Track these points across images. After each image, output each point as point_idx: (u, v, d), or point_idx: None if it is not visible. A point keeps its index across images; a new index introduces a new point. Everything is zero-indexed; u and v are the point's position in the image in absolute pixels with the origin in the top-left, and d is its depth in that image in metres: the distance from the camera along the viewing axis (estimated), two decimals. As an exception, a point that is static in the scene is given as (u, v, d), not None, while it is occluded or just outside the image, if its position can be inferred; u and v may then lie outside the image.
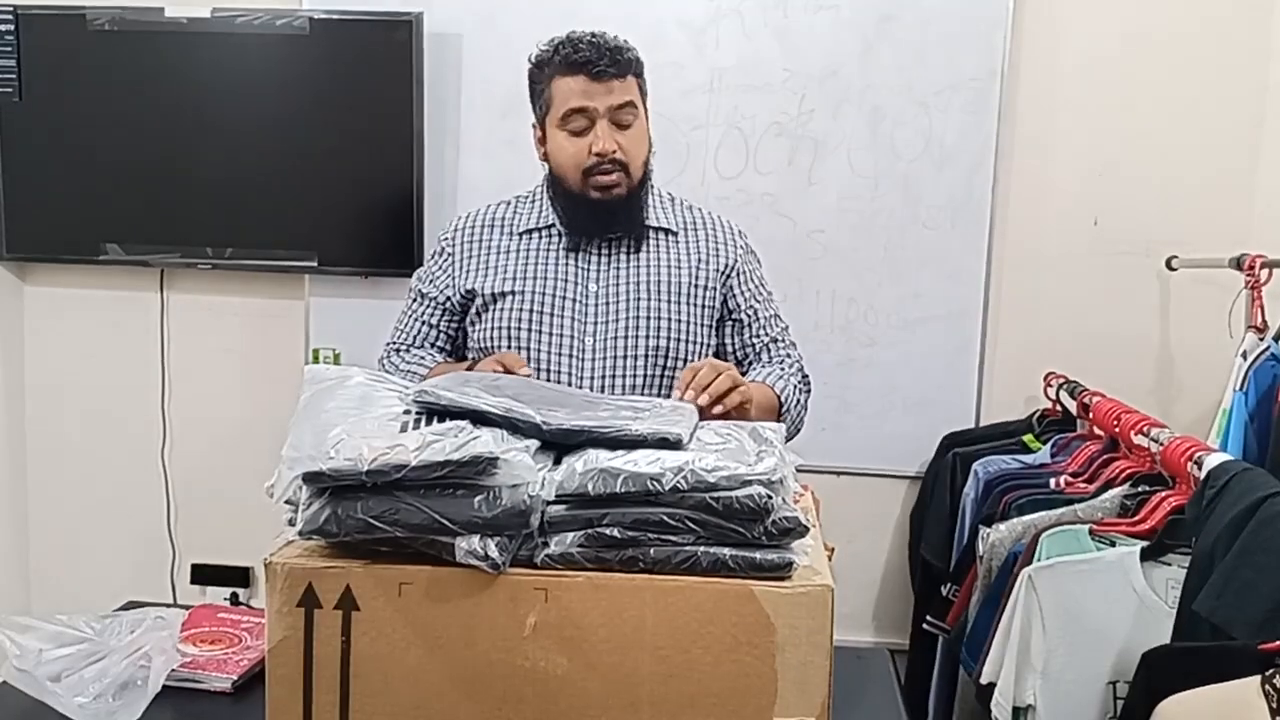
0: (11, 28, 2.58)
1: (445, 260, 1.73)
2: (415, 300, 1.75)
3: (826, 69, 2.51)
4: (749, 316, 1.73)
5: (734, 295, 1.72)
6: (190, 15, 2.54)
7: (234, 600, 2.77)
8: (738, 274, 1.73)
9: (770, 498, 1.02)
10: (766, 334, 1.75)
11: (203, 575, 2.83)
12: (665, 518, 1.02)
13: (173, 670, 1.45)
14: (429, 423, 1.10)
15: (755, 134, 2.54)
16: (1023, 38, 2.49)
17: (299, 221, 2.61)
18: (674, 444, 1.10)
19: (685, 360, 1.66)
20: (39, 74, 2.61)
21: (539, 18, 2.46)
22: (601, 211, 1.64)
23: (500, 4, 2.55)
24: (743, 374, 1.58)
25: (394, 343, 1.76)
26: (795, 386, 1.69)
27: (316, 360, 2.68)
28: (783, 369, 1.71)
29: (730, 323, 1.73)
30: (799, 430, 1.72)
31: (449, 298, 1.71)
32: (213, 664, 1.50)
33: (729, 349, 1.74)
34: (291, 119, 2.58)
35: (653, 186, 1.74)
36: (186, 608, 1.71)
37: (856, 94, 2.51)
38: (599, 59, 1.57)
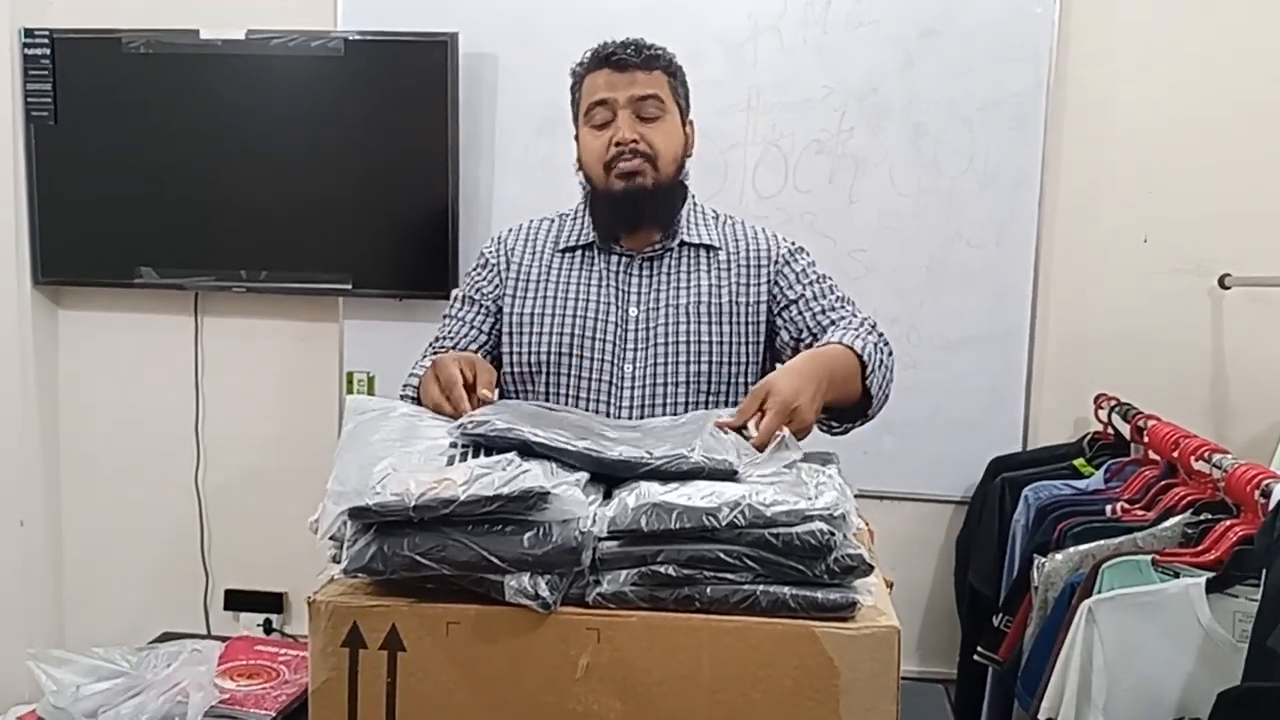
0: (47, 52, 2.60)
1: (490, 272, 1.69)
2: (461, 305, 1.69)
3: (867, 85, 2.47)
4: (800, 292, 1.62)
5: (781, 284, 1.63)
6: (225, 37, 2.55)
7: (267, 628, 2.75)
8: (784, 266, 1.64)
9: (832, 534, 0.99)
10: (831, 311, 1.60)
11: (236, 601, 2.81)
12: (722, 555, 0.99)
13: (211, 706, 1.43)
14: (475, 455, 1.06)
15: (794, 152, 2.51)
16: (1069, 50, 2.45)
17: (333, 244, 2.60)
18: (728, 475, 1.07)
19: (728, 384, 1.60)
20: (74, 97, 2.63)
21: (574, 37, 2.41)
22: (626, 204, 1.58)
23: (535, 24, 2.53)
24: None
25: (432, 347, 1.67)
26: (875, 345, 1.50)
27: (350, 384, 2.67)
28: (857, 331, 1.52)
29: (786, 309, 1.62)
30: (887, 398, 1.54)
31: (498, 305, 1.67)
32: (251, 699, 1.47)
33: (790, 335, 1.61)
34: (326, 140, 2.57)
35: (696, 202, 1.70)
36: (221, 638, 1.69)
37: (898, 110, 2.47)
38: (622, 50, 1.57)
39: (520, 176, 2.58)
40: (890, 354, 1.55)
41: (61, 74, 2.61)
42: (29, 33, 2.60)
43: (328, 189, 2.58)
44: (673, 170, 1.61)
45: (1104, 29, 2.46)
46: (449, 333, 1.67)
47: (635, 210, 1.60)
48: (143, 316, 2.79)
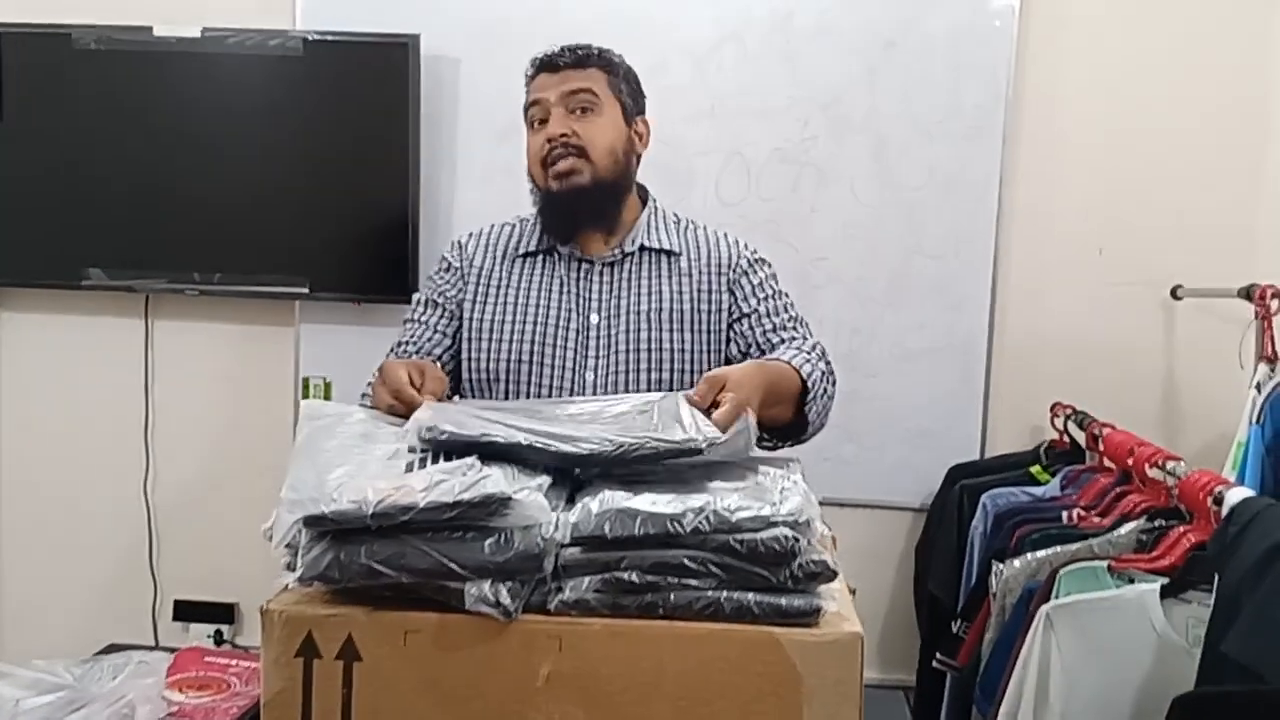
0: (-6, 47, 2.53)
1: (452, 275, 1.66)
2: (423, 309, 1.66)
3: (830, 95, 2.49)
4: (754, 306, 1.61)
5: (738, 294, 1.63)
6: (179, 35, 2.50)
7: (218, 639, 2.69)
8: (741, 276, 1.63)
9: (797, 540, 0.98)
10: (784, 330, 1.60)
11: (186, 612, 2.75)
12: (686, 561, 0.98)
13: (158, 719, 1.38)
14: (434, 461, 1.04)
15: (758, 160, 2.51)
16: (1027, 65, 2.48)
17: (290, 247, 2.55)
18: (693, 453, 1.07)
19: None
20: (22, 94, 2.56)
21: (537, 42, 2.42)
22: (562, 204, 1.57)
23: (499, 28, 2.52)
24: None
25: (394, 352, 1.63)
26: (823, 374, 1.50)
27: (306, 389, 2.63)
28: (808, 355, 1.51)
29: (739, 320, 1.62)
30: (823, 426, 1.54)
31: (461, 308, 1.64)
32: (200, 712, 1.43)
33: (739, 348, 1.61)
34: (283, 142, 2.53)
35: (657, 206, 1.68)
36: (170, 649, 1.64)
37: (860, 121, 2.49)
38: (557, 53, 1.58)
39: (481, 182, 2.55)
40: (834, 384, 1.55)
41: (8, 70, 2.54)
42: (-26, 28, 2.54)
43: (284, 191, 2.54)
44: (609, 163, 1.58)
45: (1061, 43, 2.50)
46: (411, 337, 1.64)
47: (573, 210, 1.58)
48: (91, 320, 2.73)
